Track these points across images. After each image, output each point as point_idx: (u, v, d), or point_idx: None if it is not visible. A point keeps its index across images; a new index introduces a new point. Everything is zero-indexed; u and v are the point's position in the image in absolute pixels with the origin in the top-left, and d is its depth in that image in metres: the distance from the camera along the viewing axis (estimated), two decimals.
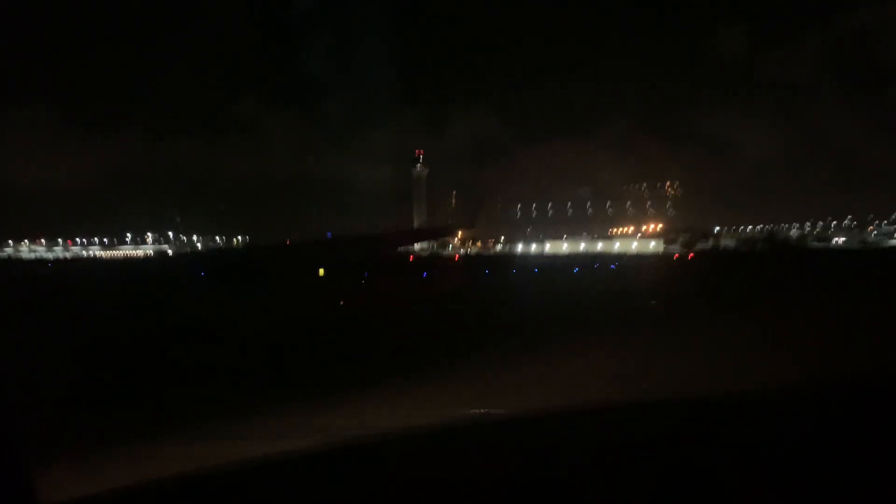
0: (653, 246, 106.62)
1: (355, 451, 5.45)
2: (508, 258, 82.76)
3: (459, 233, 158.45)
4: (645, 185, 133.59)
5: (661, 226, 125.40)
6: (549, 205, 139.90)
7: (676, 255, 70.26)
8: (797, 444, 5.25)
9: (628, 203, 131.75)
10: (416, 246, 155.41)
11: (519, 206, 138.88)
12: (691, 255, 67.01)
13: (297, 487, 4.80)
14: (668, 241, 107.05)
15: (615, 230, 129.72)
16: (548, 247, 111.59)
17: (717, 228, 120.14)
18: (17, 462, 3.83)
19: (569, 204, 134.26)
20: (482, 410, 6.83)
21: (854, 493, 4.52)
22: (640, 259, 65.62)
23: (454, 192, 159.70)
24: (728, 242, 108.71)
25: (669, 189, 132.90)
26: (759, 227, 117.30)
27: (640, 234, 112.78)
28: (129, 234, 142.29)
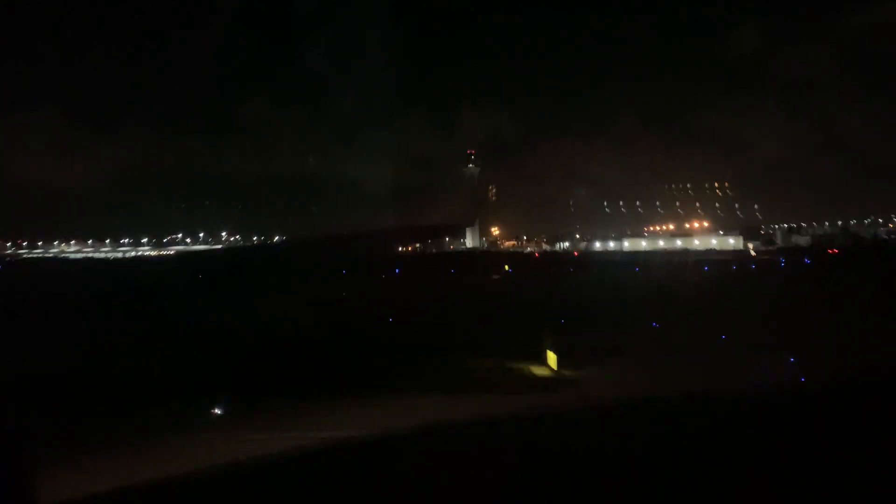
0: (732, 243, 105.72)
1: (355, 451, 5.49)
2: (612, 256, 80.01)
3: (495, 230, 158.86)
4: (689, 184, 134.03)
5: (706, 223, 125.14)
6: (585, 202, 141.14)
7: (832, 251, 68.71)
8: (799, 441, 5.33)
9: (657, 202, 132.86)
10: (469, 243, 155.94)
11: (579, 203, 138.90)
12: (834, 251, 65.68)
13: (297, 487, 4.79)
14: (757, 239, 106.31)
15: (654, 227, 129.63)
16: (626, 244, 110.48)
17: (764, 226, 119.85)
18: (17, 462, 3.78)
19: (605, 203, 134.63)
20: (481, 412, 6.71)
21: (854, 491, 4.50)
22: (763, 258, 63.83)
23: (494, 189, 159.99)
24: (801, 240, 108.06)
25: (717, 189, 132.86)
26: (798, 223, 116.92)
27: (720, 232, 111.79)
28: (179, 234, 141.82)
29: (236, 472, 5.11)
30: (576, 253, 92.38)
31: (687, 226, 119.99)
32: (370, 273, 48.09)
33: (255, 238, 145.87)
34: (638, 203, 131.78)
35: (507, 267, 46.50)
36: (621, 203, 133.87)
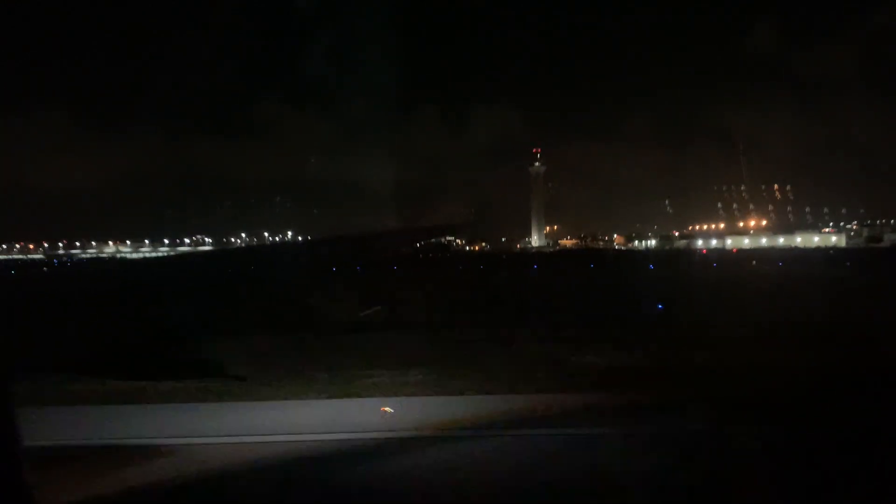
0: (834, 240, 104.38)
1: (355, 450, 5.42)
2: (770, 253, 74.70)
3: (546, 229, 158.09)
4: (743, 186, 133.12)
5: (764, 221, 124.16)
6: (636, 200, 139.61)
7: None
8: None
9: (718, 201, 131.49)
10: (535, 241, 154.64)
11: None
12: None
13: (296, 487, 4.75)
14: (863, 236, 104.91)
15: (709, 225, 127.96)
16: (729, 242, 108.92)
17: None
18: (17, 463, 3.64)
19: (719, 204, 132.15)
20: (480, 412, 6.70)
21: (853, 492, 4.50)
22: None
23: (550, 188, 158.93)
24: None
25: (778, 191, 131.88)
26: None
27: (826, 229, 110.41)
28: (243, 234, 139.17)
29: (237, 473, 4.94)
30: (734, 251, 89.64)
31: (758, 223, 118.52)
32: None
33: (300, 235, 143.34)
34: (720, 204, 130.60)
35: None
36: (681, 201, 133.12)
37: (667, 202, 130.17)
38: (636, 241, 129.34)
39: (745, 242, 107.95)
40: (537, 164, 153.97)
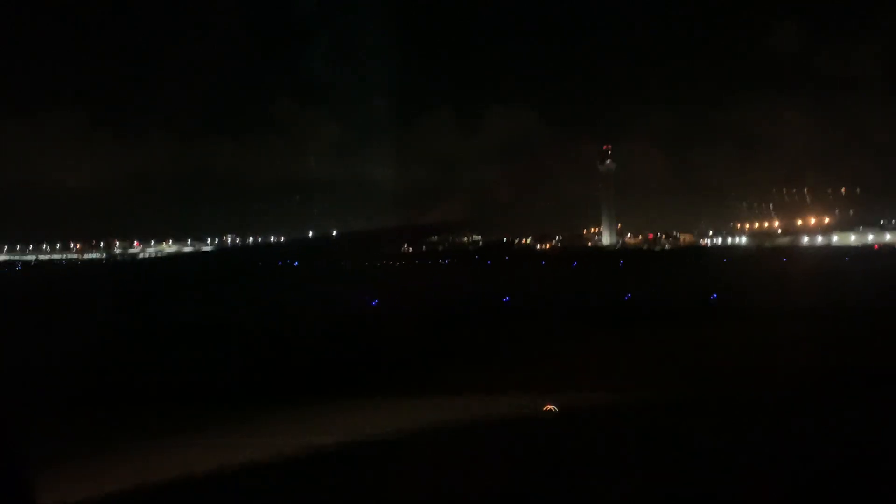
0: None
1: (355, 451, 5.52)
2: None
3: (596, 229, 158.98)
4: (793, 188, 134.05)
5: (827, 219, 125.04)
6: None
7: None
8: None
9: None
10: (605, 240, 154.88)
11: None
12: None
13: (296, 488, 4.79)
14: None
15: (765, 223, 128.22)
16: (835, 239, 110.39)
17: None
18: (18, 463, 3.74)
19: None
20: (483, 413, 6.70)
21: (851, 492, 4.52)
22: None
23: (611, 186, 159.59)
24: None
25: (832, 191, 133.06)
26: None
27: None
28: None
29: (238, 474, 5.05)
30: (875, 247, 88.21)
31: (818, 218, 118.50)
32: None
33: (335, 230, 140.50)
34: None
35: None
36: (745, 202, 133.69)
37: (750, 203, 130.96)
38: (717, 239, 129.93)
39: (835, 239, 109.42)
40: (608, 161, 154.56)
